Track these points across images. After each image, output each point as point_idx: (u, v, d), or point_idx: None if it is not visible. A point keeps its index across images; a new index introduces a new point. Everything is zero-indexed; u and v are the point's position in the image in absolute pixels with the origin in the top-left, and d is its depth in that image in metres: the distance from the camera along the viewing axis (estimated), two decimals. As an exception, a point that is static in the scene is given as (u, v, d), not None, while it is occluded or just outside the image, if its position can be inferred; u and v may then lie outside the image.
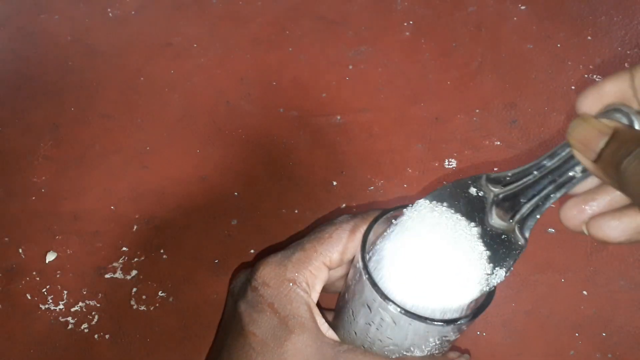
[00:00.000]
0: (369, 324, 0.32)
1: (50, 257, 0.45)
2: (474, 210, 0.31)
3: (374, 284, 0.29)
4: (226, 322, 0.34)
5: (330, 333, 0.33)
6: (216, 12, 0.66)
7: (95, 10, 0.66)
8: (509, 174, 0.31)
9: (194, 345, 0.41)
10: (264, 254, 0.34)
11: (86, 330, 0.42)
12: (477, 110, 0.54)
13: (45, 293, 0.44)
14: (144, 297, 0.44)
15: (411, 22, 0.63)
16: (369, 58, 0.60)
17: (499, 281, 0.29)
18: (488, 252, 0.30)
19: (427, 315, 0.29)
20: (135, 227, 0.47)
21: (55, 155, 0.52)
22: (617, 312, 0.40)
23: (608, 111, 0.28)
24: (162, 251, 0.46)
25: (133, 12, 0.66)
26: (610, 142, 0.26)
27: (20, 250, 0.46)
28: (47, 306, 0.43)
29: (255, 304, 0.32)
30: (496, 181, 0.31)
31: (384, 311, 0.30)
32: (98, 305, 0.43)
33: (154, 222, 0.48)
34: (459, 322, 0.29)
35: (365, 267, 0.30)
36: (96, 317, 0.43)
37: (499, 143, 0.51)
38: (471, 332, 0.40)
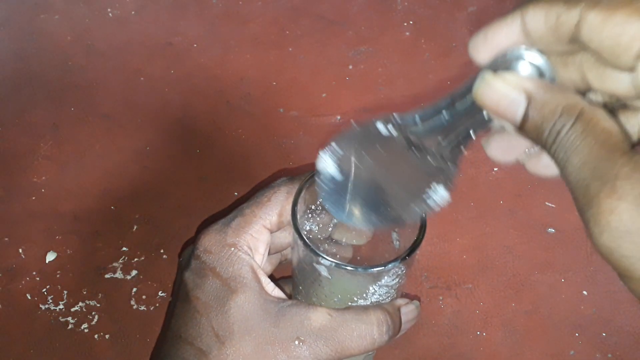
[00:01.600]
0: (313, 282, 0.33)
1: (50, 257, 0.45)
2: (390, 148, 0.30)
3: (305, 243, 0.30)
4: (174, 293, 0.35)
5: (276, 292, 0.33)
6: (216, 12, 0.66)
7: (95, 10, 0.66)
8: (417, 117, 0.29)
9: (194, 345, 0.41)
10: (206, 224, 0.34)
11: (86, 330, 0.42)
12: (477, 110, 0.54)
13: (45, 293, 0.44)
14: (144, 297, 0.44)
15: (411, 22, 0.63)
16: (369, 58, 0.60)
17: (441, 200, 0.29)
18: (420, 173, 0.29)
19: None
20: (135, 227, 0.47)
21: (55, 155, 0.52)
22: (617, 312, 0.40)
23: (508, 58, 0.25)
24: (162, 251, 0.46)
25: (133, 12, 0.66)
26: (530, 112, 0.23)
27: (20, 250, 0.46)
28: (47, 306, 0.43)
29: (198, 271, 0.33)
30: (405, 122, 0.29)
31: (319, 266, 0.31)
32: (98, 305, 0.43)
33: (154, 222, 0.48)
34: (386, 268, 0.30)
35: (295, 226, 0.31)
36: (96, 317, 0.43)
37: (499, 143, 0.51)
38: (471, 332, 0.40)
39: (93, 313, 0.43)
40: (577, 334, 0.39)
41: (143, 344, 0.41)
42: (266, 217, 0.34)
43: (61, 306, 0.43)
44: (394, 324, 0.32)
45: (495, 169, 0.49)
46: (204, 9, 0.66)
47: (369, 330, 0.31)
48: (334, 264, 0.30)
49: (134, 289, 0.44)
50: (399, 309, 0.33)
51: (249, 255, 0.33)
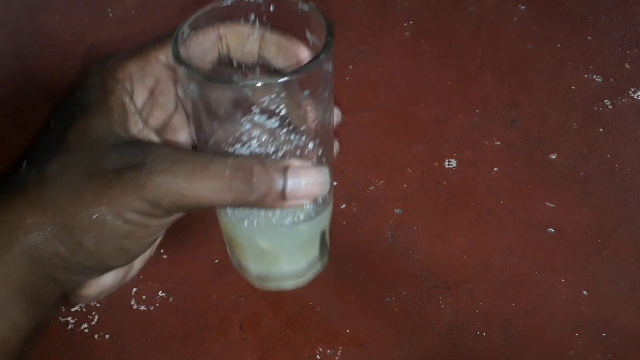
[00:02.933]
0: (194, 120, 0.27)
1: (50, 257, 0.45)
2: None
3: (176, 56, 0.25)
4: None
5: (146, 135, 0.29)
6: (216, 12, 0.66)
7: (95, 10, 0.66)
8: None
9: (194, 345, 0.41)
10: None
11: (86, 330, 0.42)
12: (477, 110, 0.54)
13: (45, 293, 0.44)
14: (144, 297, 0.44)
15: (411, 22, 0.63)
16: (369, 58, 0.60)
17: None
18: None
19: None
20: (135, 227, 0.47)
21: (55, 155, 0.52)
22: (617, 312, 0.40)
23: None
24: (162, 251, 0.46)
25: (133, 12, 0.66)
26: None
27: (20, 250, 0.46)
28: (47, 306, 0.43)
29: (68, 101, 0.29)
30: None
31: (190, 85, 0.25)
32: (98, 305, 0.43)
33: (154, 222, 0.48)
34: (247, 83, 0.23)
35: (175, 49, 0.26)
36: (96, 317, 0.43)
37: (499, 143, 0.51)
38: (471, 332, 0.40)
39: (93, 313, 0.43)
40: (577, 334, 0.39)
41: (143, 344, 0.41)
42: (162, 48, 0.29)
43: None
44: (267, 177, 0.25)
45: (495, 169, 0.49)
46: (204, 9, 0.66)
47: (222, 173, 0.24)
48: (179, 63, 0.25)
49: (134, 289, 0.44)
50: (285, 167, 0.26)
51: (124, 86, 0.28)
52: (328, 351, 0.39)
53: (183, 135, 0.32)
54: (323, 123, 0.28)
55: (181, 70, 0.25)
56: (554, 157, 0.50)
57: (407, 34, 0.62)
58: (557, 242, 0.44)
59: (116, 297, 0.44)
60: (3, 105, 0.57)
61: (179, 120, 0.32)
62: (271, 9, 0.28)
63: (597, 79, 0.56)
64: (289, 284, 0.33)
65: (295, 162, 0.26)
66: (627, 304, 0.41)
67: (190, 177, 0.24)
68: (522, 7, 0.63)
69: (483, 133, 0.52)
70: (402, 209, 0.47)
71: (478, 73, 0.57)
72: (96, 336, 0.42)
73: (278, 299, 0.41)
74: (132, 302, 0.43)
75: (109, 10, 0.66)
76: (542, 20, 0.62)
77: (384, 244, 0.45)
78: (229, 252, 0.36)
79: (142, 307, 0.43)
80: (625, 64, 0.57)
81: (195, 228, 0.47)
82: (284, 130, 0.26)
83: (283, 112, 0.25)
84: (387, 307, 0.41)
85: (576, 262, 0.43)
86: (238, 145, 0.27)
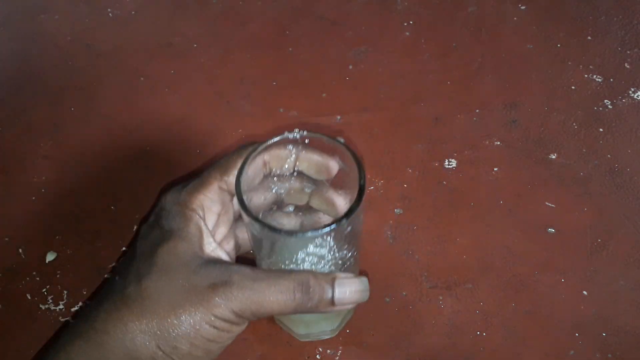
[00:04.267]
0: (255, 245, 0.34)
1: (50, 257, 0.45)
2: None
3: (240, 198, 0.31)
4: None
5: (216, 253, 0.34)
6: (216, 12, 0.66)
7: (95, 10, 0.66)
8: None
9: (194, 345, 0.41)
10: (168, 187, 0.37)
11: (86, 330, 0.42)
12: (477, 110, 0.54)
13: (45, 293, 0.44)
14: (144, 297, 0.44)
15: (411, 22, 0.63)
16: (369, 58, 0.60)
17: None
18: None
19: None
20: (135, 227, 0.47)
21: (55, 155, 0.52)
22: (617, 312, 0.40)
23: None
24: (162, 251, 0.46)
25: (133, 12, 0.66)
26: None
27: (20, 250, 0.46)
28: (47, 306, 0.43)
29: (150, 225, 0.35)
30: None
31: (252, 226, 0.32)
32: (98, 305, 0.43)
33: (154, 222, 0.48)
34: (307, 234, 0.30)
35: (237, 183, 0.32)
36: (96, 317, 0.43)
37: (499, 143, 0.51)
38: (471, 332, 0.40)
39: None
40: (577, 334, 0.39)
41: (143, 344, 0.41)
42: (222, 178, 0.35)
43: (61, 306, 0.43)
44: (320, 288, 0.32)
45: (495, 169, 0.49)
46: (204, 9, 0.66)
47: (288, 287, 0.31)
48: (255, 222, 0.31)
49: (134, 289, 0.44)
50: (333, 279, 0.33)
51: (198, 214, 0.34)
52: (328, 351, 0.39)
53: (231, 243, 0.38)
54: (355, 234, 0.34)
55: (249, 219, 0.31)
56: (554, 157, 0.50)
57: (407, 34, 0.62)
58: (557, 242, 0.44)
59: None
60: (3, 105, 0.57)
61: (232, 231, 0.38)
62: (306, 141, 0.35)
63: (597, 79, 0.56)
64: (327, 336, 0.40)
65: (340, 274, 0.33)
66: (627, 304, 0.41)
67: (267, 292, 0.31)
68: (522, 7, 0.63)
69: (483, 133, 0.52)
70: (402, 209, 0.47)
71: (478, 73, 0.57)
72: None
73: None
74: (132, 302, 0.43)
75: (109, 10, 0.66)
76: (542, 20, 0.62)
77: (383, 244, 0.45)
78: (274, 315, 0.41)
79: (142, 307, 0.43)
80: (625, 64, 0.57)
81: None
82: (328, 248, 0.33)
83: (330, 241, 0.32)
84: (387, 307, 0.41)
85: (576, 262, 0.43)
86: (293, 265, 0.34)
